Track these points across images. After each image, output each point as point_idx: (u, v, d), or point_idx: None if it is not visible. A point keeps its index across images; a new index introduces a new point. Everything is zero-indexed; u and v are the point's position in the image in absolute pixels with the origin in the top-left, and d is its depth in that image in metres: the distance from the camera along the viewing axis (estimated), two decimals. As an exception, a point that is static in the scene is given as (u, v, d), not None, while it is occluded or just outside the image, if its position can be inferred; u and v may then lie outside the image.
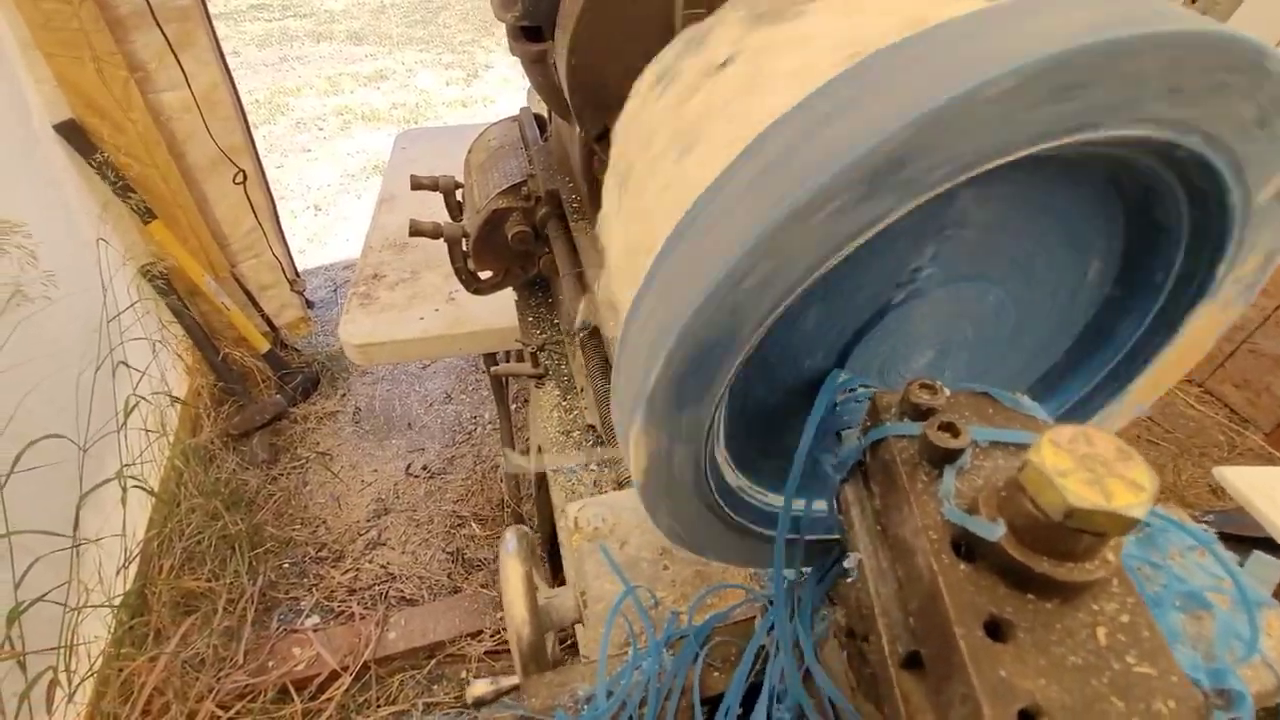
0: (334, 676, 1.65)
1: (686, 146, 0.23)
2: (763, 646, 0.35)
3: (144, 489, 1.67)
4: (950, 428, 0.21)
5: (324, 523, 2.10)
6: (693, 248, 0.20)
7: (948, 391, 0.23)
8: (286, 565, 1.99)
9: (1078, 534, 0.17)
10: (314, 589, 1.92)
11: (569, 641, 1.21)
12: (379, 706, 1.63)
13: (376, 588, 1.93)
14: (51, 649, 1.23)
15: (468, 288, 0.99)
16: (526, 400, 2.55)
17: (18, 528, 1.19)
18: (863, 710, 0.27)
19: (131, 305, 1.80)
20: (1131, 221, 0.28)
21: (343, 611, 1.86)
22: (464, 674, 1.71)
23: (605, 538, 0.44)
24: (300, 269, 2.71)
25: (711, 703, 0.33)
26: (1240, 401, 2.28)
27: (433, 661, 1.74)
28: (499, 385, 1.67)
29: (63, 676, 1.27)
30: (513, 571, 0.46)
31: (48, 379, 1.38)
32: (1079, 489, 0.16)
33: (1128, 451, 0.17)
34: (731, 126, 0.23)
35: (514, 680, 0.54)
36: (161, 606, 1.62)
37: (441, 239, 0.92)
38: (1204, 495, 2.05)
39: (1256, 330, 2.19)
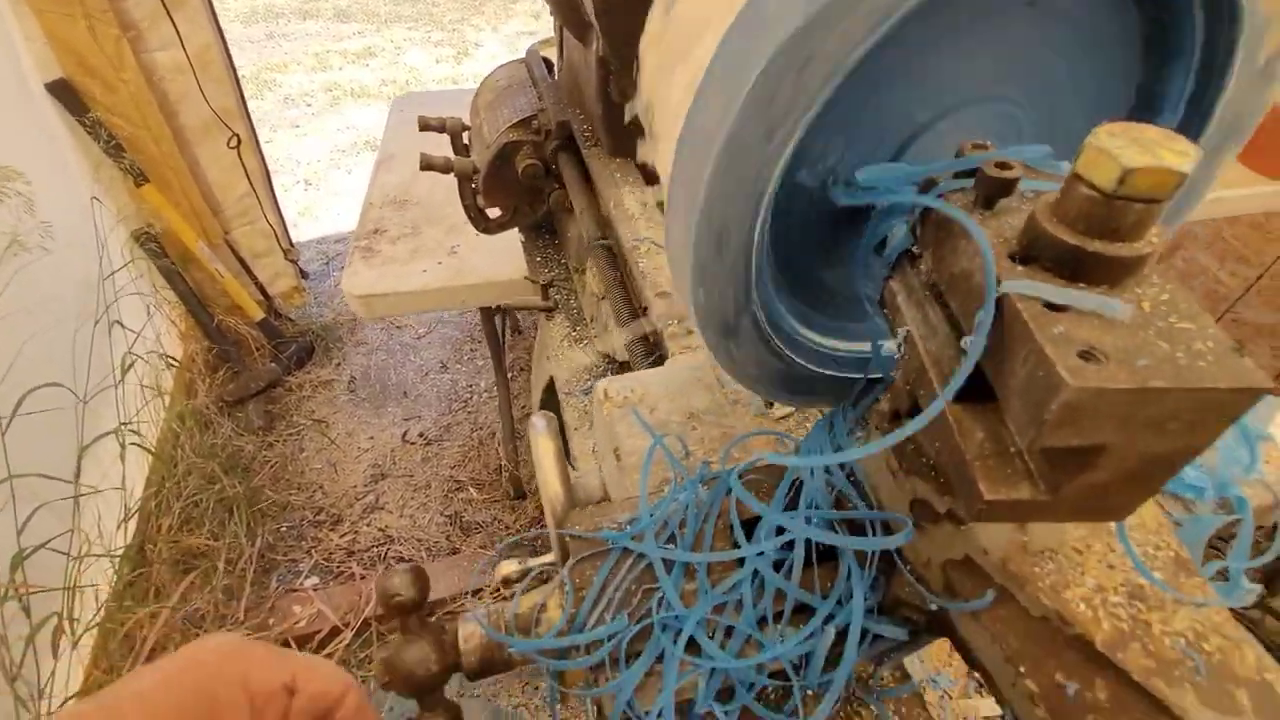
0: (335, 632, 1.66)
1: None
2: (796, 479, 0.37)
3: (142, 447, 1.67)
4: (1005, 164, 0.23)
5: (321, 488, 2.10)
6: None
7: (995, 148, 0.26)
8: (284, 529, 1.99)
9: (1128, 205, 0.19)
10: (312, 551, 1.93)
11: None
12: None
13: (375, 549, 1.94)
14: (56, 588, 1.23)
15: (476, 226, 1.00)
16: (524, 368, 2.56)
17: (20, 473, 1.19)
18: (905, 487, 0.29)
19: (124, 266, 1.78)
20: (1149, 55, 0.31)
21: (342, 572, 1.87)
22: (464, 631, 1.73)
23: (636, 405, 0.46)
24: (294, 242, 2.69)
25: (746, 525, 0.36)
26: (1220, 371, 2.34)
27: (433, 619, 1.76)
28: (496, 342, 1.68)
29: (66, 624, 1.27)
30: (544, 448, 0.48)
31: (46, 330, 1.37)
32: (1133, 155, 0.18)
33: (1172, 134, 0.19)
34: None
35: (544, 559, 0.56)
36: (161, 563, 1.62)
37: (452, 173, 0.93)
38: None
39: (1239, 300, 2.24)
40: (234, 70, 2.19)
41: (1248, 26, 0.28)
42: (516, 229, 1.08)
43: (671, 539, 0.34)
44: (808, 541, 0.34)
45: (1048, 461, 0.22)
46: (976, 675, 0.31)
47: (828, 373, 0.36)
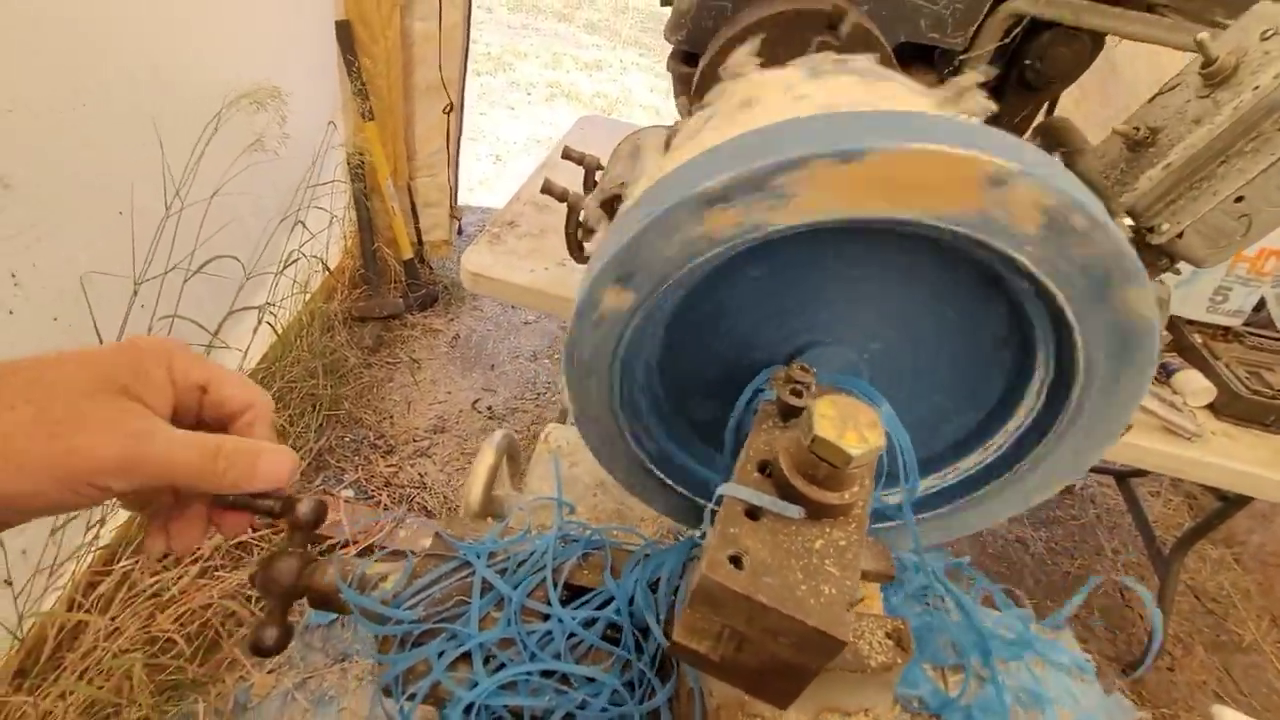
0: (343, 545, 1.85)
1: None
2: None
3: (273, 327, 1.96)
4: (797, 392, 0.28)
5: (390, 418, 2.33)
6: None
7: (815, 378, 0.30)
8: (347, 439, 2.23)
9: (819, 461, 0.24)
10: (360, 468, 2.15)
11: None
12: (367, 585, 1.80)
13: (408, 490, 2.12)
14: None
15: (570, 252, 1.11)
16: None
17: (183, 314, 1.48)
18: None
19: (331, 182, 2.13)
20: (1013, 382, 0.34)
21: (373, 497, 2.07)
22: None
23: (563, 455, 0.52)
24: (463, 203, 3.03)
25: (571, 590, 0.41)
26: (1351, 701, 1.95)
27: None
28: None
29: (156, 441, 1.54)
30: (485, 459, 0.55)
31: (248, 216, 1.68)
32: (825, 426, 0.23)
33: (876, 423, 0.23)
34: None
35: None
36: (244, 425, 1.89)
37: (565, 202, 1.05)
38: (1261, 780, 1.78)
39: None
40: (467, 49, 2.53)
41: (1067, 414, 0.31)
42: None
43: (504, 572, 0.41)
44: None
45: (731, 637, 0.26)
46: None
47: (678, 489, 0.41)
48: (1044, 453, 0.33)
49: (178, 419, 0.35)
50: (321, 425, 2.15)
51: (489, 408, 2.46)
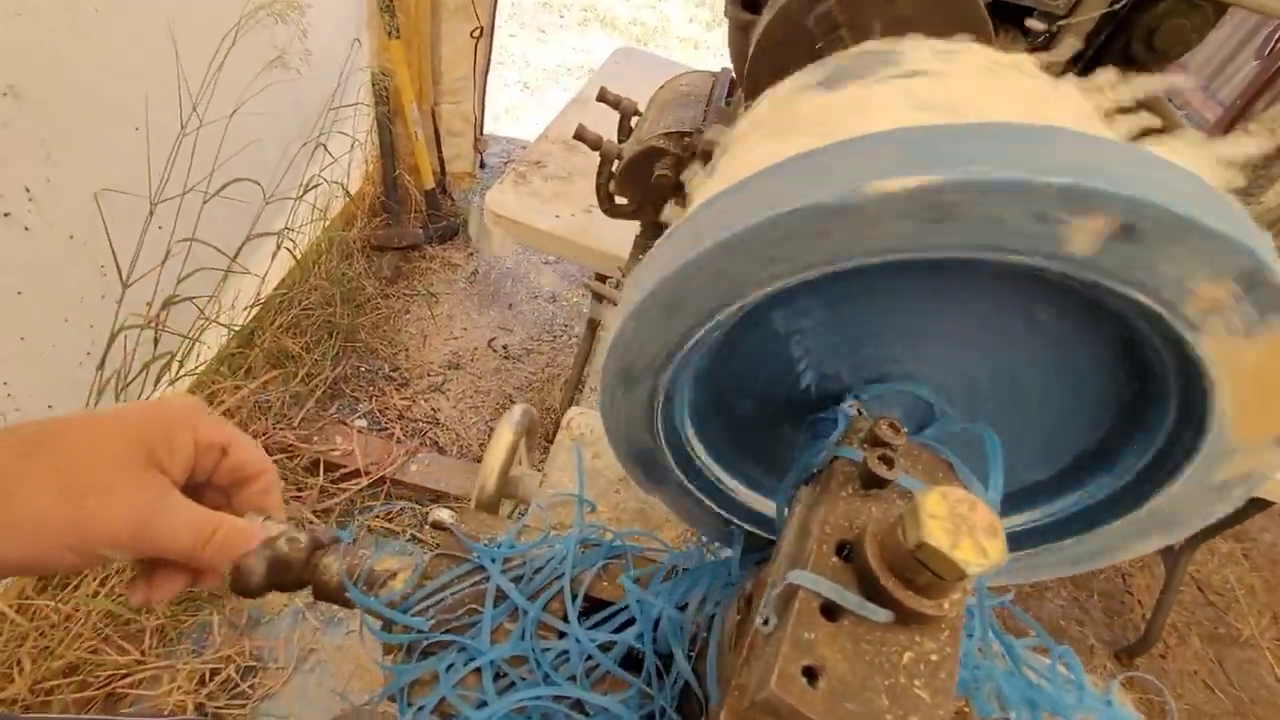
0: (355, 474, 1.87)
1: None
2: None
3: (291, 253, 1.93)
4: (888, 461, 0.24)
5: (406, 350, 2.33)
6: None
7: (906, 438, 0.27)
8: (362, 369, 2.23)
9: (922, 568, 0.20)
10: (374, 399, 2.16)
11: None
12: (378, 516, 1.84)
13: (420, 424, 2.13)
14: (180, 334, 1.49)
15: (600, 205, 1.05)
16: (616, 334, 2.65)
17: (201, 238, 1.45)
18: (725, 661, 0.31)
19: (354, 105, 2.03)
20: (1123, 417, 0.29)
21: (386, 428, 2.08)
22: (454, 529, 1.88)
23: (585, 445, 0.49)
24: (488, 132, 2.92)
25: (590, 602, 0.39)
26: (1338, 702, 1.96)
27: (434, 505, 1.92)
28: (597, 304, 1.76)
29: (175, 364, 1.54)
30: (503, 435, 0.53)
31: (269, 138, 1.61)
32: (936, 531, 0.19)
33: (997, 529, 0.19)
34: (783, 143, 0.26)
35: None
36: (260, 350, 1.89)
37: (598, 152, 0.99)
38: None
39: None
40: (499, -33, 2.37)
41: (1209, 444, 0.26)
42: (638, 223, 1.13)
43: (520, 579, 0.38)
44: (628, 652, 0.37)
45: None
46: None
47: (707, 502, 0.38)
48: (1165, 497, 0.29)
49: (192, 477, 0.38)
50: (338, 354, 2.15)
51: (505, 347, 2.44)
